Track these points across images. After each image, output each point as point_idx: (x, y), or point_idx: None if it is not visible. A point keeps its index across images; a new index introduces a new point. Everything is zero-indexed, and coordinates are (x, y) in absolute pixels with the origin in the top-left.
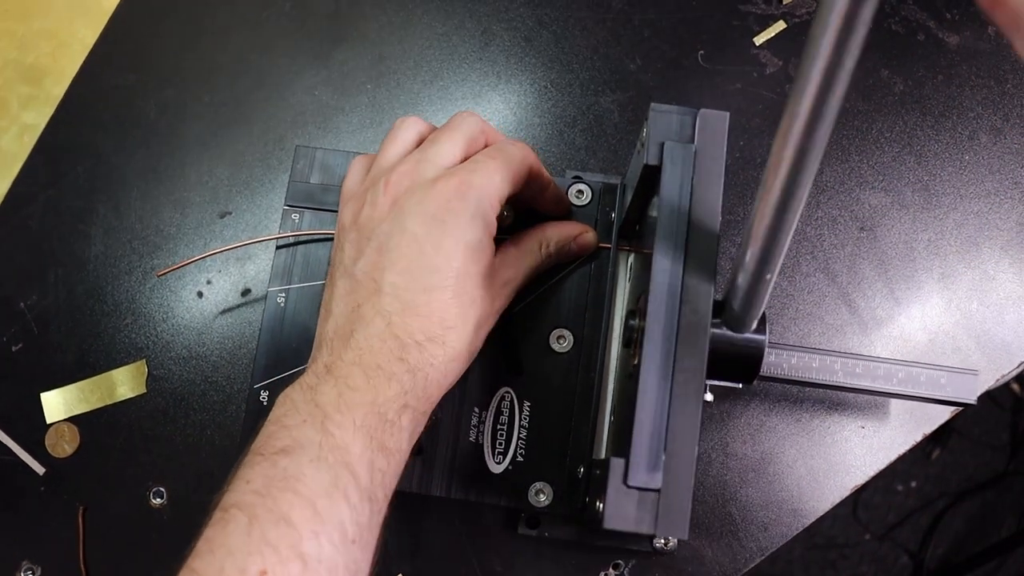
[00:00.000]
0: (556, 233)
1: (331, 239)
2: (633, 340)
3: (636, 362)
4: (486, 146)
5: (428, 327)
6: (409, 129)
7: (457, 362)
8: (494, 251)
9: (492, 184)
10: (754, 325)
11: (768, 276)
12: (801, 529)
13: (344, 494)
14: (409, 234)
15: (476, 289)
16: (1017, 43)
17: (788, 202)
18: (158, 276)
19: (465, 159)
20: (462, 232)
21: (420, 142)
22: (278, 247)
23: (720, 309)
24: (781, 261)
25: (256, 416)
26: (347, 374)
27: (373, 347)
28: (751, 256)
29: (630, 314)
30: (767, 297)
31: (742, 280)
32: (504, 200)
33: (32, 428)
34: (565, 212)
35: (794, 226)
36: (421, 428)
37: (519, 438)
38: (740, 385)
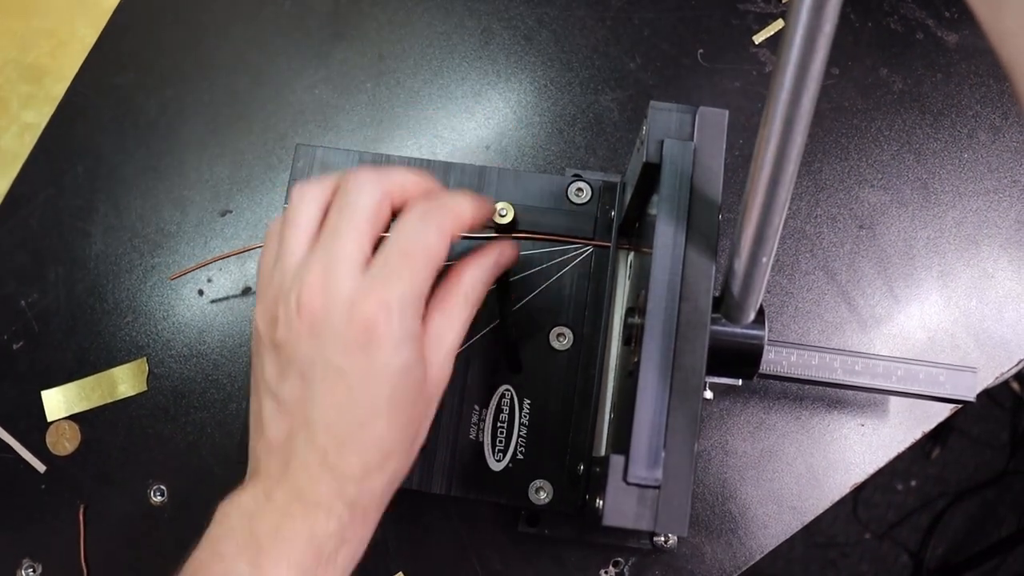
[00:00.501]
0: (473, 274)
1: None
2: (633, 337)
3: (636, 359)
4: (395, 211)
5: (366, 459)
6: (308, 206)
7: (402, 474)
8: (422, 349)
9: (414, 291)
10: (752, 314)
11: (764, 259)
12: (801, 527)
13: None
14: (333, 368)
15: (412, 406)
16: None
17: (779, 178)
18: (171, 280)
19: (374, 245)
20: (388, 358)
21: (324, 212)
22: None
23: (719, 303)
24: (776, 242)
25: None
26: (285, 504)
27: (312, 478)
28: (746, 239)
29: (629, 311)
30: (765, 282)
31: (739, 265)
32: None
33: (33, 426)
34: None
35: (787, 204)
36: (363, 549)
37: (519, 436)
38: (740, 382)
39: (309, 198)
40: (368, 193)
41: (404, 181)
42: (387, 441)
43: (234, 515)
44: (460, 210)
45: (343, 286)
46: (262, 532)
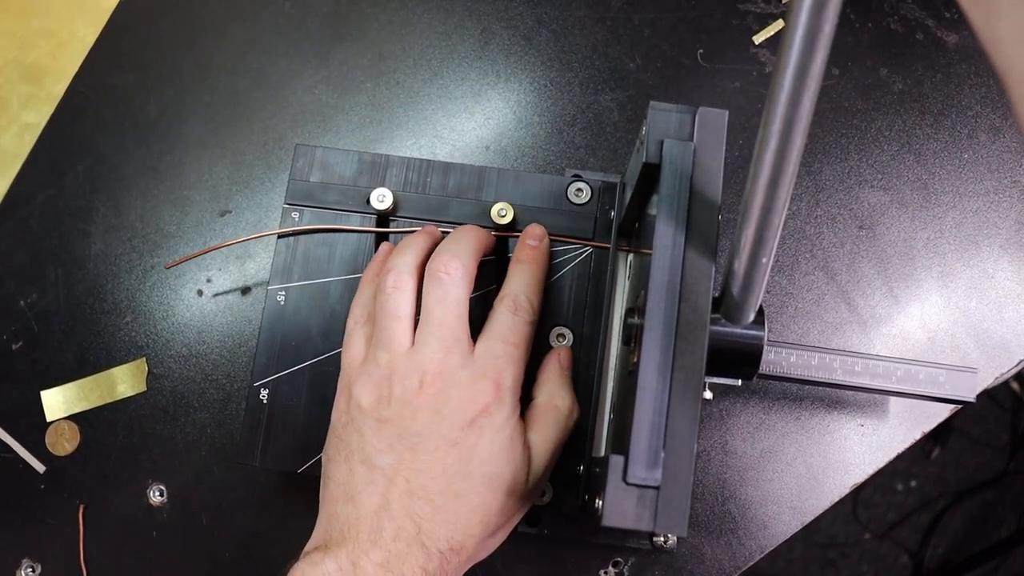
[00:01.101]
0: (553, 383)
1: (333, 232)
2: (633, 337)
3: (636, 359)
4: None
5: (453, 535)
6: (404, 297)
7: (476, 558)
8: (523, 434)
9: (517, 377)
10: (752, 315)
11: (764, 259)
12: (800, 527)
13: None
14: (448, 440)
15: (506, 499)
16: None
17: (779, 178)
18: (167, 268)
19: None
20: (494, 434)
21: (416, 296)
22: (279, 238)
23: (718, 304)
24: (776, 242)
25: (256, 414)
26: (372, 575)
27: (401, 552)
28: (746, 239)
29: (629, 312)
30: (764, 282)
31: (739, 265)
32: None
33: (32, 426)
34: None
35: (787, 204)
36: None
37: None
38: (739, 383)
39: (402, 287)
40: (458, 283)
41: (478, 247)
42: (474, 524)
43: None
44: (533, 293)
45: (461, 371)
46: None
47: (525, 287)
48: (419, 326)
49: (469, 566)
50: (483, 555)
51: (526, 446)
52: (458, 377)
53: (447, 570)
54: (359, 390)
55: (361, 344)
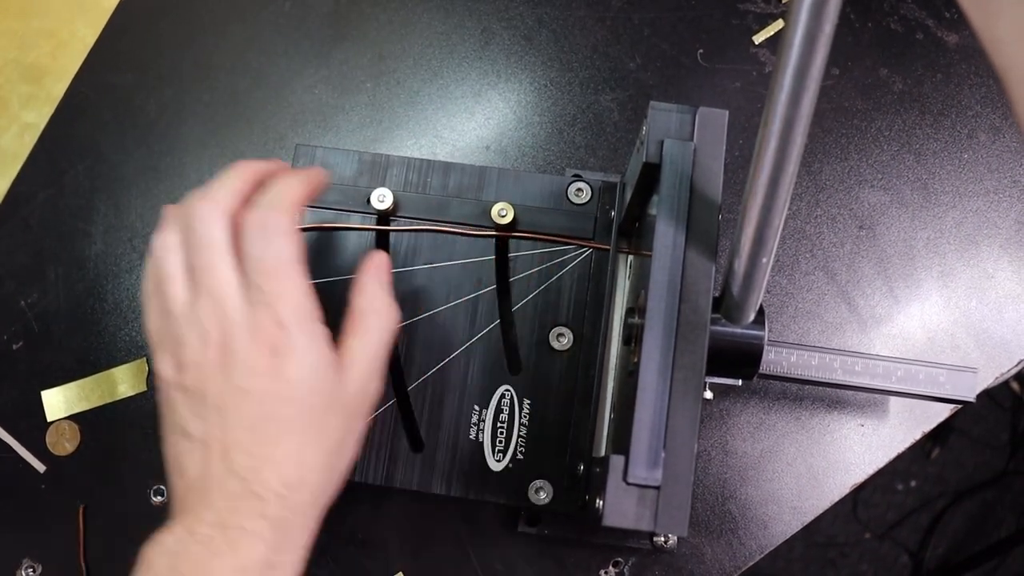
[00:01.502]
0: (373, 289)
1: (337, 231)
2: (633, 337)
3: (636, 360)
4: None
5: (284, 475)
6: (169, 258)
7: (326, 491)
8: (334, 353)
9: (297, 301)
10: (752, 315)
11: (764, 259)
12: (801, 527)
13: None
14: (242, 391)
15: (326, 418)
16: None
17: (779, 178)
18: None
19: (238, 246)
20: (293, 372)
21: (184, 256)
22: None
23: (718, 304)
24: (776, 243)
25: None
26: (208, 539)
27: (232, 505)
28: (746, 239)
29: (629, 312)
30: (764, 282)
31: (739, 265)
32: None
33: (33, 426)
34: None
35: (787, 204)
36: (300, 566)
37: (519, 436)
38: (740, 383)
39: (167, 250)
40: (211, 223)
41: (233, 188)
42: (304, 456)
43: (158, 559)
44: (288, 198)
45: (236, 315)
46: (187, 571)
47: (269, 202)
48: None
49: (334, 489)
50: (340, 471)
51: (335, 361)
52: (237, 325)
53: (294, 507)
54: (157, 364)
55: (154, 316)
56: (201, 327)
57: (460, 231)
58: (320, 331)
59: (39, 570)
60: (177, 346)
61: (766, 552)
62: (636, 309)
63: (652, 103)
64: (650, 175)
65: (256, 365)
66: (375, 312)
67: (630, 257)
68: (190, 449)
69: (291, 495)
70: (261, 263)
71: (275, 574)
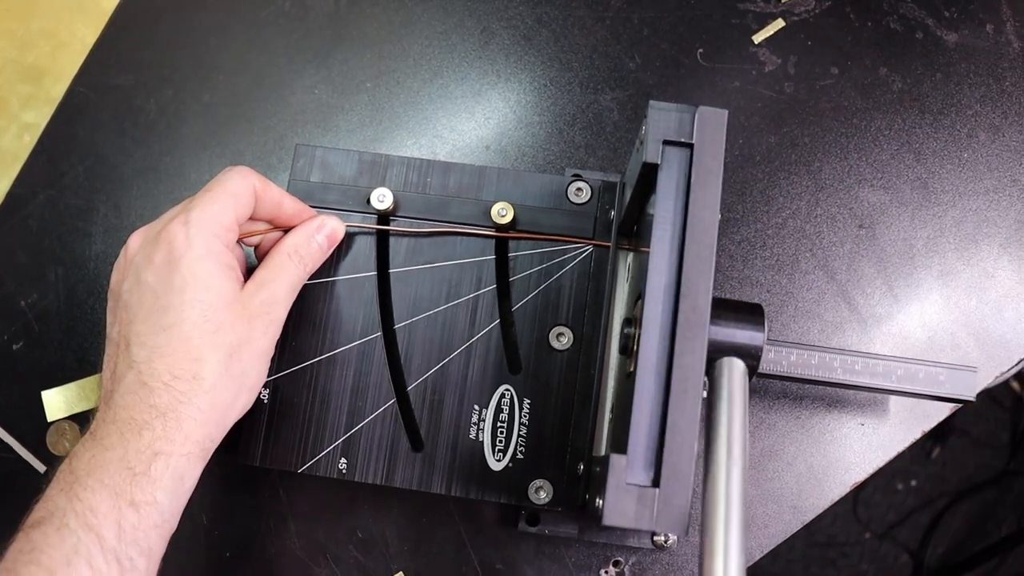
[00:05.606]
0: (297, 238)
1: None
2: (629, 348)
3: (632, 369)
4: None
5: (174, 365)
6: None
7: (219, 391)
8: (239, 277)
9: (210, 214)
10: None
11: None
12: (801, 527)
13: (87, 559)
14: (144, 285)
15: (220, 315)
16: None
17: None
18: None
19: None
20: (190, 267)
21: None
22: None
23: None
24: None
25: (256, 414)
26: (104, 434)
27: (127, 402)
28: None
29: (626, 322)
30: None
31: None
32: (233, 225)
33: (33, 426)
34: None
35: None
36: (195, 469)
37: (519, 436)
38: None
39: (138, 233)
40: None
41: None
42: (193, 346)
43: (60, 466)
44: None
45: (159, 226)
46: (78, 466)
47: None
48: None
49: (233, 390)
50: (241, 381)
51: (236, 270)
52: (154, 231)
53: (182, 400)
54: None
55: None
56: (132, 240)
57: (460, 231)
58: (222, 250)
59: None
60: (117, 272)
61: (766, 551)
62: (633, 320)
63: (652, 102)
64: (650, 175)
65: (156, 259)
66: (288, 256)
67: (630, 257)
68: (109, 354)
69: (182, 386)
70: (208, 184)
71: (160, 462)
